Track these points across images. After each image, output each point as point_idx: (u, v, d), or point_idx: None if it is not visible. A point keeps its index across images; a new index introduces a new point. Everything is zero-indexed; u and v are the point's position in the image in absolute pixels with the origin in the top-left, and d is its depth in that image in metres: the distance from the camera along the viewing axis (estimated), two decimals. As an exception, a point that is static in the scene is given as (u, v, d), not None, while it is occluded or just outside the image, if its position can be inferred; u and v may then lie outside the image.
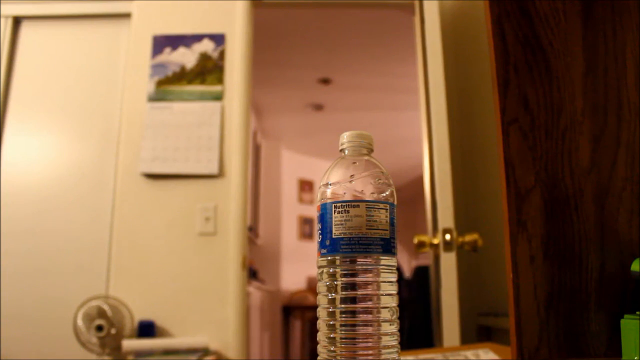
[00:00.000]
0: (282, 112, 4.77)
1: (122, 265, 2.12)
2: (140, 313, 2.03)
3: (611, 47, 0.74)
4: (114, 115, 2.34)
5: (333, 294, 0.51)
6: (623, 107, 0.73)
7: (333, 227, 0.51)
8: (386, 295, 0.51)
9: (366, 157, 0.55)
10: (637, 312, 0.61)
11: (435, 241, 1.73)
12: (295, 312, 4.80)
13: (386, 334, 0.50)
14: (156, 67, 2.28)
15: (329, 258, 0.52)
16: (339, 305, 0.50)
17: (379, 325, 0.50)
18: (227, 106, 2.22)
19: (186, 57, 2.28)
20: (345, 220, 0.51)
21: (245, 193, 2.14)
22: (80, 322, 1.93)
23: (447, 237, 1.69)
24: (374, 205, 0.51)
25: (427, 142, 1.91)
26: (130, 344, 1.90)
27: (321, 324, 0.52)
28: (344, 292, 0.51)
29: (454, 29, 2.28)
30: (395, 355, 0.51)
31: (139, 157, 2.18)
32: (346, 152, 0.56)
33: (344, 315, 0.50)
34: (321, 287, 0.53)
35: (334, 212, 0.52)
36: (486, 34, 0.75)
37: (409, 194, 4.61)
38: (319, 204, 0.54)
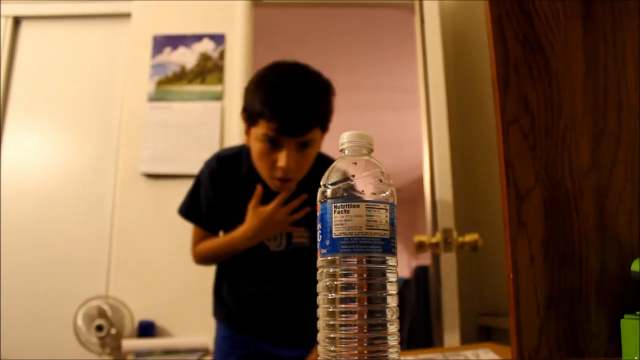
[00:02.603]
0: (282, 112, 4.75)
1: (122, 265, 2.12)
2: (140, 313, 2.03)
3: (611, 47, 0.74)
4: (114, 115, 2.34)
5: (333, 294, 0.51)
6: (623, 107, 0.73)
7: (333, 227, 0.51)
8: (386, 295, 0.51)
9: (366, 157, 0.55)
10: (637, 312, 0.61)
11: (435, 241, 1.73)
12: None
13: (386, 334, 0.50)
14: (156, 67, 2.28)
15: (329, 258, 0.52)
16: (339, 305, 0.50)
17: (379, 326, 0.50)
18: (227, 106, 2.22)
19: (186, 57, 2.28)
20: (345, 220, 0.51)
21: (245, 193, 2.13)
22: (80, 322, 1.93)
23: (447, 237, 1.69)
24: (374, 205, 0.51)
25: (427, 142, 1.91)
26: (130, 344, 1.90)
27: (321, 324, 0.52)
28: (344, 292, 0.50)
29: (454, 29, 2.28)
30: (395, 355, 0.51)
31: (139, 157, 2.18)
32: (346, 152, 0.56)
33: (343, 315, 0.50)
34: (321, 287, 0.53)
35: (334, 212, 0.51)
36: (486, 34, 0.75)
37: (409, 194, 4.60)
38: (319, 204, 0.54)
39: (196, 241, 1.35)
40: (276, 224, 1.21)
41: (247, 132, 1.25)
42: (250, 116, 1.20)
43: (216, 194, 1.31)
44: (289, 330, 1.30)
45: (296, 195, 1.23)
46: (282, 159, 1.15)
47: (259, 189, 1.22)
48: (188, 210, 1.36)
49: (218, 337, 1.39)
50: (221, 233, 1.37)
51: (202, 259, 1.35)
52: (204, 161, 1.37)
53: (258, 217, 1.20)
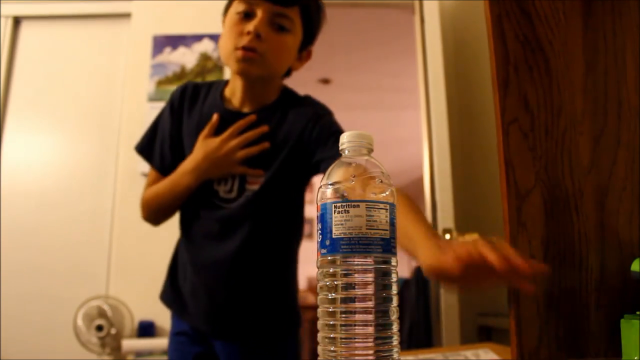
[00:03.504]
0: (282, 112, 4.75)
1: (122, 265, 2.12)
2: (140, 313, 2.03)
3: (611, 47, 0.74)
4: (114, 115, 2.34)
5: (333, 294, 0.51)
6: (623, 107, 0.73)
7: (333, 227, 0.51)
8: (386, 295, 0.51)
9: (366, 157, 0.55)
10: (637, 312, 0.61)
11: (435, 241, 1.72)
12: (295, 312, 4.78)
13: (386, 334, 0.50)
14: (156, 67, 2.28)
15: (329, 258, 0.52)
16: (339, 306, 0.50)
17: (379, 326, 0.50)
18: (227, 106, 2.22)
19: (186, 57, 2.28)
20: (345, 220, 0.51)
21: (245, 193, 2.12)
22: (80, 322, 1.93)
23: (447, 237, 1.69)
24: (374, 205, 0.51)
25: (427, 142, 1.91)
26: (130, 344, 1.90)
27: (321, 324, 0.52)
28: (344, 292, 0.50)
29: (454, 29, 2.28)
30: (395, 355, 0.51)
31: (139, 157, 2.17)
32: (346, 152, 0.56)
33: (344, 315, 0.50)
34: (321, 287, 0.52)
35: (334, 212, 0.51)
36: (486, 34, 0.75)
37: (409, 194, 4.60)
38: (319, 204, 0.54)
39: (147, 187, 1.15)
40: (224, 158, 1.01)
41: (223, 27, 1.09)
42: (227, 3, 1.05)
43: (173, 126, 1.11)
44: (241, 320, 1.06)
45: (255, 127, 1.04)
46: (251, 24, 0.98)
47: (215, 117, 1.04)
48: (143, 145, 1.17)
49: (170, 333, 1.17)
50: None
51: (148, 208, 1.13)
52: None
53: (204, 148, 1.02)
